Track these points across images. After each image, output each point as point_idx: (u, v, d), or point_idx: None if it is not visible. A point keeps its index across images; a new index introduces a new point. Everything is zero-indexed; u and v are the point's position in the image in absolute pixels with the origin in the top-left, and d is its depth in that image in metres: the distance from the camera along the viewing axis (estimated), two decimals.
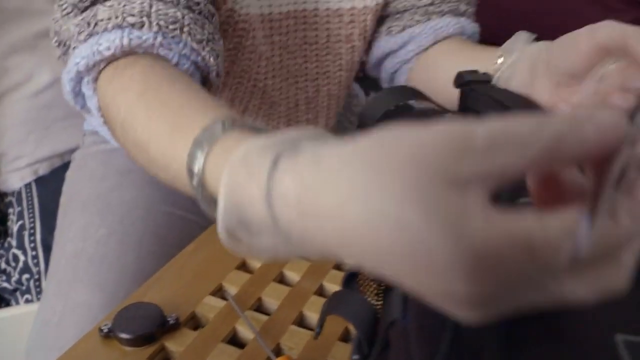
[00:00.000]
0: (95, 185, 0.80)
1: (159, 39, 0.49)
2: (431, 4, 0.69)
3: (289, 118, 0.76)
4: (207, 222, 0.82)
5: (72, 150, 0.95)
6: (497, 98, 0.47)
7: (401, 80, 0.73)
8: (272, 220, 0.27)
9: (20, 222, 0.96)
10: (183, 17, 0.50)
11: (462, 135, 0.22)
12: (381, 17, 0.73)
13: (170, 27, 0.49)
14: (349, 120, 0.90)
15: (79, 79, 0.51)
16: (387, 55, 0.74)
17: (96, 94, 0.50)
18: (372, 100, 0.46)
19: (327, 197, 0.24)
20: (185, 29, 0.50)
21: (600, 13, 1.54)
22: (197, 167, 0.34)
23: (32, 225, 0.95)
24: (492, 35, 1.68)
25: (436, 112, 0.51)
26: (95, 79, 0.50)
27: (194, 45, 0.51)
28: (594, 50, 0.45)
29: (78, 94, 0.53)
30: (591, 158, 0.23)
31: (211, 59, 0.52)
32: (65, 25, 0.52)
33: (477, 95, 0.48)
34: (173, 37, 0.50)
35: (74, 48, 0.50)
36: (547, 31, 1.61)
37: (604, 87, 0.45)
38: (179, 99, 0.42)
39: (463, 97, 0.50)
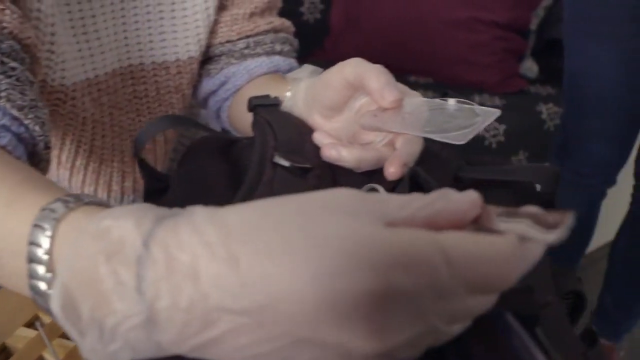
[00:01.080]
0: None
1: None
2: (246, 48, 0.73)
3: (122, 172, 0.76)
4: None
5: None
6: (274, 119, 0.51)
7: (223, 117, 0.76)
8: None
9: None
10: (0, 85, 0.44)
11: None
12: (201, 62, 0.75)
13: None
14: None
15: None
16: (209, 95, 0.77)
17: None
18: (147, 126, 0.49)
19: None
20: (3, 93, 0.44)
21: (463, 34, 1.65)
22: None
23: None
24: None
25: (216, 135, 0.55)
26: None
27: (15, 112, 0.44)
28: (343, 85, 0.49)
29: None
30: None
31: (36, 127, 0.46)
32: None
33: (261, 118, 0.52)
34: None
35: None
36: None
37: (356, 117, 0.50)
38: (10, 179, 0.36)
39: (254, 121, 0.54)
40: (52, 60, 0.57)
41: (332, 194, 0.28)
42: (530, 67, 1.82)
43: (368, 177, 0.46)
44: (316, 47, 1.87)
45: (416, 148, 0.48)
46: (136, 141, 0.49)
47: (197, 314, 0.26)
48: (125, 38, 0.66)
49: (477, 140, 1.43)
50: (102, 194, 0.75)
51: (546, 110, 1.59)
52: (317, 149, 0.49)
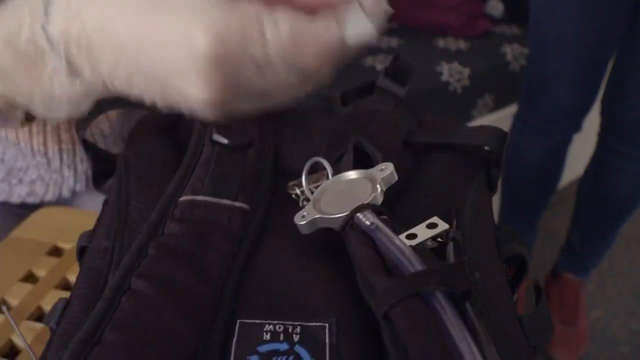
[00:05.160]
0: None
1: None
2: None
3: (68, 119, 0.74)
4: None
5: None
6: None
7: None
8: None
9: None
10: None
11: None
12: None
13: None
14: None
15: None
16: None
17: None
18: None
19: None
20: None
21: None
22: None
23: None
24: None
25: None
26: None
27: None
28: None
29: None
30: None
31: None
32: None
33: None
34: None
35: None
36: None
37: None
38: None
39: None
40: None
41: None
42: (495, 6, 1.79)
43: (312, 152, 0.45)
44: None
45: None
46: (77, 125, 0.47)
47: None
48: None
49: (442, 85, 1.42)
50: (52, 144, 0.75)
51: (511, 51, 1.57)
52: (257, 122, 0.47)
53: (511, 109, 1.55)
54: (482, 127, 0.48)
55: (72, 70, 0.33)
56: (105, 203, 0.46)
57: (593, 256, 1.44)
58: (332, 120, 0.49)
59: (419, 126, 0.52)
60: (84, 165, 0.80)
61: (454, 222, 0.36)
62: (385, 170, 0.37)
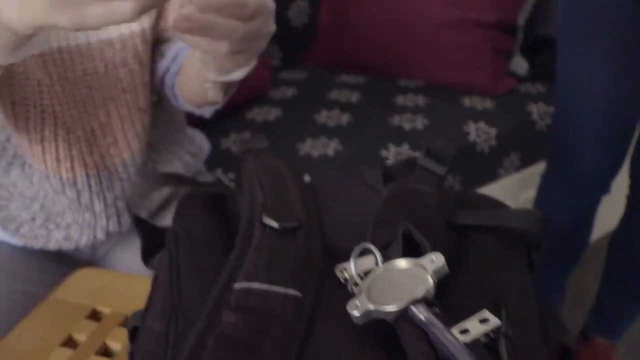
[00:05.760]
0: None
1: None
2: None
3: (89, 143, 0.79)
4: (46, 292, 0.83)
5: None
6: (261, 169, 0.52)
7: (177, 92, 0.81)
8: None
9: None
10: None
11: None
12: (155, 44, 0.80)
13: None
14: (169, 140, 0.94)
15: None
16: (164, 74, 0.82)
17: None
18: (136, 187, 0.49)
19: None
20: None
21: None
22: None
23: None
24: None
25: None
26: None
27: None
28: None
29: None
30: None
31: None
32: None
33: (248, 169, 0.52)
34: None
35: None
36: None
37: None
38: None
39: (243, 170, 0.54)
40: None
41: None
42: (519, 64, 1.81)
43: (358, 234, 0.46)
44: (304, 52, 1.87)
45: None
46: (129, 202, 0.49)
47: None
48: None
49: (469, 145, 1.43)
50: (79, 169, 0.80)
51: (537, 109, 1.59)
52: (302, 201, 0.49)
53: (538, 167, 1.56)
54: (524, 211, 0.49)
55: None
56: (155, 280, 0.47)
57: (624, 319, 1.42)
58: (375, 199, 0.50)
59: (460, 205, 0.53)
60: (111, 195, 0.83)
61: (503, 315, 0.37)
62: (437, 262, 0.38)
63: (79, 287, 0.73)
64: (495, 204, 0.53)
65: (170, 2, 0.73)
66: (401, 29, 1.69)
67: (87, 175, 0.81)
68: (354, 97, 1.61)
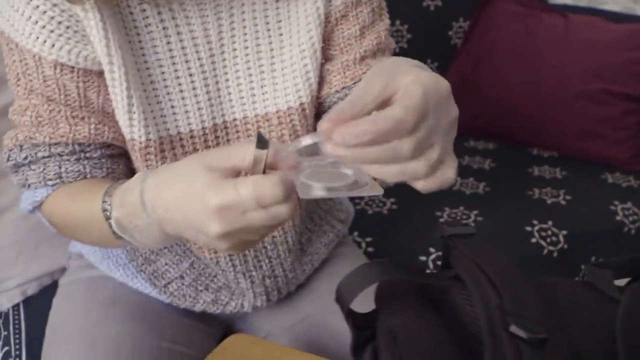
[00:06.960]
0: (80, 319, 0.79)
1: None
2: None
3: None
4: (194, 352, 0.80)
5: (62, 269, 0.94)
6: (482, 259, 0.46)
7: None
8: (142, 205, 0.55)
9: (6, 349, 0.93)
10: (84, 168, 0.69)
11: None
12: (317, 114, 0.77)
13: (78, 178, 0.69)
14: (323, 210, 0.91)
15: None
16: None
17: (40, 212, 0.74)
18: (350, 276, 0.45)
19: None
20: (88, 176, 0.70)
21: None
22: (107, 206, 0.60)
23: (17, 353, 0.92)
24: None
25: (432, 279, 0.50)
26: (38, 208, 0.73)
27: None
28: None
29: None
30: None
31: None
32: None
33: (464, 257, 0.47)
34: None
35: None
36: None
37: None
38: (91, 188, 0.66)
39: (454, 257, 0.49)
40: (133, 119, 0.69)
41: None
42: None
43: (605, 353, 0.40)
44: None
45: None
46: (341, 293, 0.45)
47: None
48: (219, 97, 0.72)
49: (616, 226, 1.33)
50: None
51: None
52: (542, 305, 0.43)
53: None
54: None
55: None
56: None
57: None
58: (614, 312, 0.44)
59: None
60: (258, 273, 0.80)
61: None
62: None
63: (234, 354, 0.71)
64: None
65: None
66: (537, 97, 1.62)
67: (230, 256, 0.79)
68: (486, 164, 1.54)
